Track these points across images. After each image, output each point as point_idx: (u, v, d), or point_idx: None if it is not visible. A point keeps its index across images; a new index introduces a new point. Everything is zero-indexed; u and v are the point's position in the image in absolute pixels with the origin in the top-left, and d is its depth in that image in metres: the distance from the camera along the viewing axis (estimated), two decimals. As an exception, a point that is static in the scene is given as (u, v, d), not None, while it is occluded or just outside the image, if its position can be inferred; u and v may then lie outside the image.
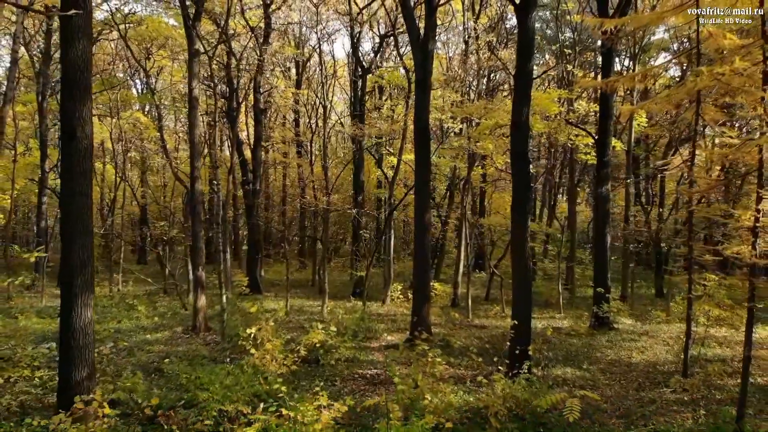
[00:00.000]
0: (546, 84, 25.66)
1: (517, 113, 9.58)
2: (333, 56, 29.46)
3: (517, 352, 9.27)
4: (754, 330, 8.55)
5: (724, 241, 9.31)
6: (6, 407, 8.06)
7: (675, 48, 21.96)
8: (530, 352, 9.45)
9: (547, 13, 24.97)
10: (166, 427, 6.34)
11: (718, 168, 14.59)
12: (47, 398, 8.67)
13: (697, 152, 9.19)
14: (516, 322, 9.28)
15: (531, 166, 11.69)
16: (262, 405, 6.99)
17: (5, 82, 23.49)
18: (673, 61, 15.60)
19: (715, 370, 9.98)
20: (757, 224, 7.35)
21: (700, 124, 9.69)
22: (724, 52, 8.42)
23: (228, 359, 10.20)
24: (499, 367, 9.15)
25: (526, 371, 8.52)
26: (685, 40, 19.05)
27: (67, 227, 7.55)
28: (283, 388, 6.67)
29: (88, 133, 7.64)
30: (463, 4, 17.18)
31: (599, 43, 16.53)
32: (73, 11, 6.39)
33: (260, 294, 19.40)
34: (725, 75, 6.94)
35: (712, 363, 10.55)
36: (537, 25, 28.74)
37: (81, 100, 7.58)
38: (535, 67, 28.01)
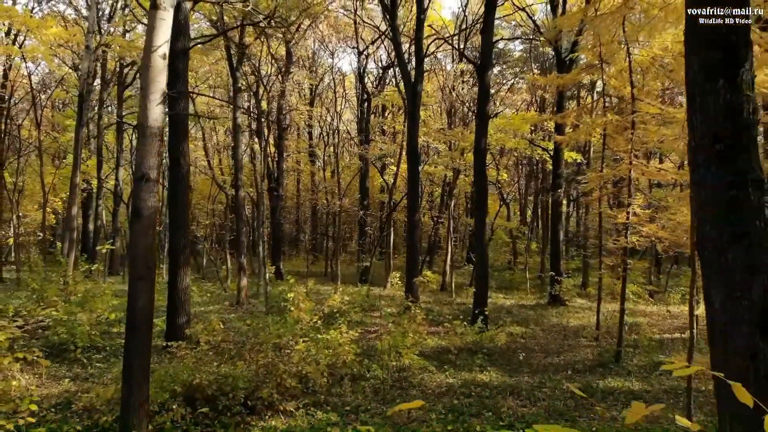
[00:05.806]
0: (530, 100, 29.47)
1: (477, 142, 13.42)
2: (342, 76, 33.36)
3: (476, 312, 13.10)
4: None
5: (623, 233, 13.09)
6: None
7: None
8: (486, 312, 13.28)
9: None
10: (245, 347, 10.19)
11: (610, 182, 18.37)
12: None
13: (605, 171, 13.00)
14: (475, 290, 13.13)
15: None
16: (301, 339, 10.86)
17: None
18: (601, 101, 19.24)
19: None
20: (628, 221, 11.17)
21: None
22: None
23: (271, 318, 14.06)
24: (464, 323, 12.98)
25: (480, 324, 12.36)
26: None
27: (174, 222, 11.46)
28: (320, 321, 10.55)
29: (187, 161, 11.55)
30: (453, 53, 21.09)
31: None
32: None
33: (283, 280, 23.33)
34: (606, 123, 10.74)
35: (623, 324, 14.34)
36: (524, 45, 32.66)
37: (182, 139, 11.49)
38: (524, 82, 32.02)
